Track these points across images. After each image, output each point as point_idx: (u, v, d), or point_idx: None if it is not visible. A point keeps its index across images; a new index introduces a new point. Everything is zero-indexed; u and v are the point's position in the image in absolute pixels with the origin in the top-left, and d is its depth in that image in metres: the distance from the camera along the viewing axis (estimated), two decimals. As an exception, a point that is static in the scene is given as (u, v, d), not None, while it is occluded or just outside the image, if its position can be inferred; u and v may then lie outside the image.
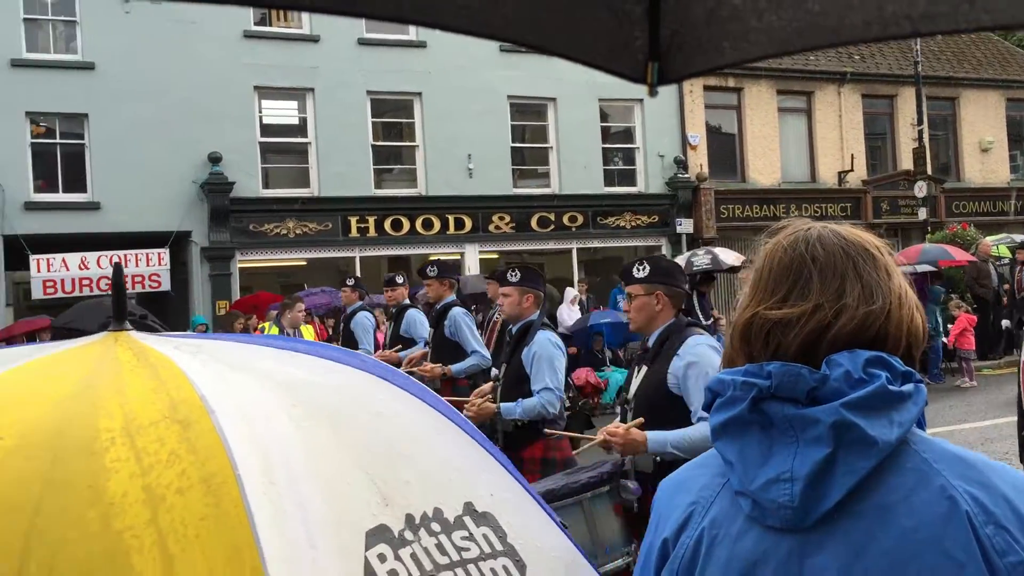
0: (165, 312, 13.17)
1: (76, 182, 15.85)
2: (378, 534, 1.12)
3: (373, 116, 17.93)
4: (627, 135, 20.18)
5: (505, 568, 1.23)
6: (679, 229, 19.42)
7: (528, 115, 19.26)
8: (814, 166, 21.82)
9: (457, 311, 7.28)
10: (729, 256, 14.78)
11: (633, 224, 19.55)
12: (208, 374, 1.21)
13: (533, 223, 18.69)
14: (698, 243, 18.60)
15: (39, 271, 14.37)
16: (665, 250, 19.65)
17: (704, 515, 1.26)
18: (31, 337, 12.44)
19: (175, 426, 1.09)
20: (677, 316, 3.86)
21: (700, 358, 3.64)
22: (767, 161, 21.10)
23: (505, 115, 18.66)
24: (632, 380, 3.97)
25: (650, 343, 3.88)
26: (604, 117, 19.74)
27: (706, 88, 20.40)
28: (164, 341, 1.35)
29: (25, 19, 15.64)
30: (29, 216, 15.21)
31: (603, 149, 19.63)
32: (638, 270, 3.87)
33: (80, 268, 14.49)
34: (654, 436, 3.61)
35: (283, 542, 1.01)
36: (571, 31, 1.87)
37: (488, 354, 7.33)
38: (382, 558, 1.10)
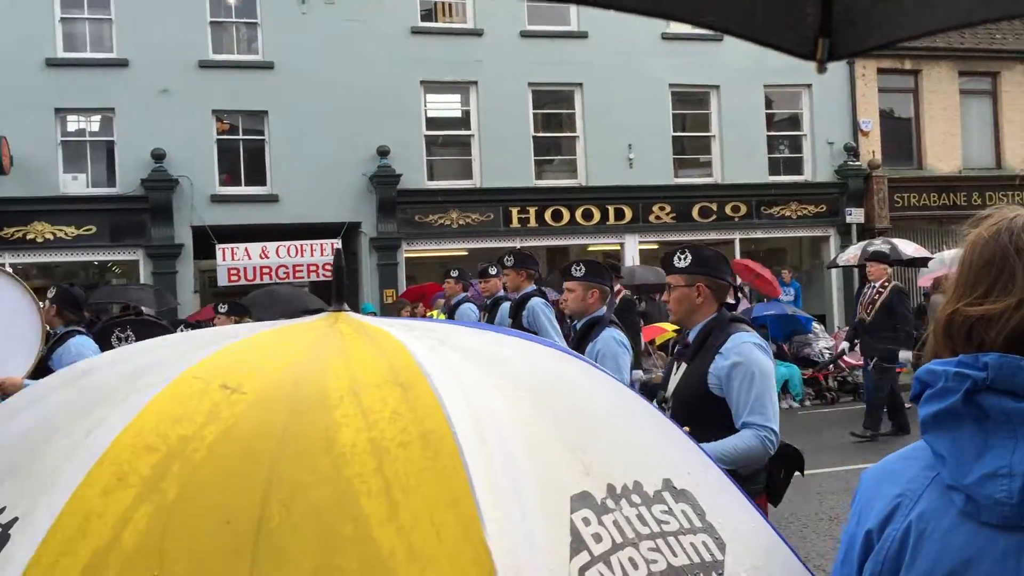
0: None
1: (257, 175, 16.79)
2: (582, 499, 1.15)
3: (534, 107, 18.11)
4: (793, 122, 19.54)
5: (704, 544, 1.24)
6: (849, 219, 18.65)
7: (690, 103, 18.95)
8: (999, 152, 20.46)
9: (536, 301, 7.08)
10: (909, 247, 14.10)
11: (799, 214, 18.93)
12: (421, 346, 1.29)
13: (694, 213, 18.40)
14: (872, 233, 17.80)
15: (224, 260, 15.31)
16: (833, 241, 18.95)
17: (912, 508, 1.22)
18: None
19: (396, 388, 1.17)
20: (720, 310, 3.56)
21: (745, 358, 3.34)
22: (947, 147, 19.94)
23: (666, 103, 18.43)
24: (671, 378, 3.69)
25: (690, 338, 3.61)
26: (769, 104, 19.19)
27: (880, 71, 19.47)
28: (378, 321, 1.45)
29: (211, 22, 16.66)
30: (215, 208, 16.24)
31: (768, 137, 19.09)
32: (679, 259, 3.58)
33: (260, 257, 15.35)
34: None
35: (495, 496, 1.06)
36: (742, 8, 1.86)
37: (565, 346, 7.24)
38: (586, 521, 1.13)
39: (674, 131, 18.58)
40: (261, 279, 15.02)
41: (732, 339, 3.41)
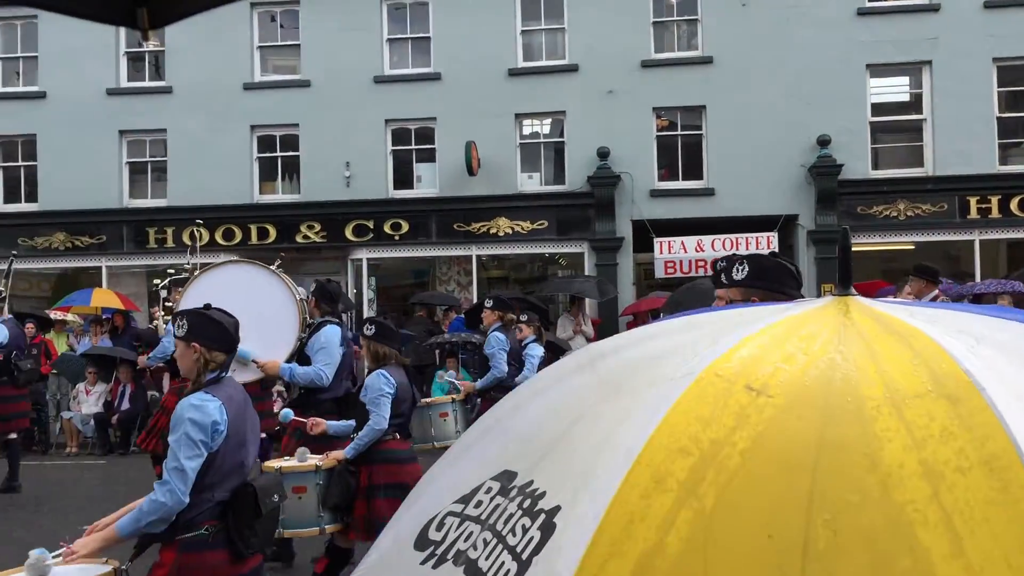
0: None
1: (694, 170, 17.02)
2: None
3: (999, 86, 16.20)
4: None
5: None
6: None
7: None
8: None
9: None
10: None
11: None
12: (960, 347, 1.16)
13: None
14: None
15: (661, 253, 15.74)
16: None
17: None
18: (655, 315, 13.68)
19: (942, 401, 1.06)
20: None
21: None
22: None
23: None
24: None
25: None
26: None
27: None
28: (894, 308, 1.33)
29: (654, 23, 17.18)
30: (653, 202, 16.75)
31: None
32: (737, 271, 3.18)
33: (696, 250, 15.54)
34: None
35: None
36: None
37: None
38: None
39: None
40: (696, 272, 15.20)
41: None
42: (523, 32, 17.50)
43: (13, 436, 10.42)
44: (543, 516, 1.14)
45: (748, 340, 1.29)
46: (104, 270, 17.89)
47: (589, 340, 14.25)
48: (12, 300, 12.08)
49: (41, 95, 17.96)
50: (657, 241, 15.83)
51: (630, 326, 12.20)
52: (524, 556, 1.12)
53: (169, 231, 17.54)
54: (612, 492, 1.09)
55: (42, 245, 17.78)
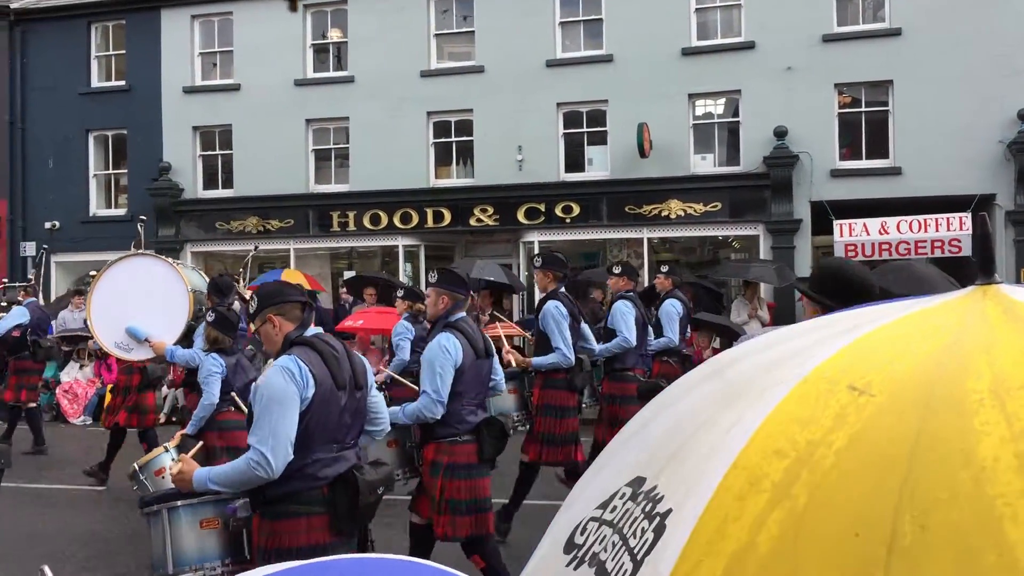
0: (964, 278, 12.71)
1: (878, 148, 16.22)
2: None
3: None
4: None
5: None
6: None
7: None
8: None
9: (550, 304, 7.23)
10: None
11: None
12: None
13: None
14: None
15: (841, 235, 15.11)
16: None
17: None
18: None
19: None
20: None
21: None
22: None
23: None
24: None
25: None
26: None
27: None
28: None
29: (836, -6, 16.46)
30: (833, 183, 16.09)
31: None
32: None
33: (880, 233, 14.82)
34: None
35: None
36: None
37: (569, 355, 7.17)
38: None
39: None
40: (880, 255, 14.51)
41: None
42: (697, 10, 17.15)
43: (32, 405, 11.94)
44: (658, 519, 1.19)
45: (867, 337, 1.28)
46: (292, 252, 18.95)
47: (764, 325, 13.92)
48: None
49: (235, 88, 19.16)
50: (837, 223, 15.21)
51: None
52: (639, 557, 1.16)
53: (351, 215, 18.36)
54: (710, 494, 1.12)
55: (237, 229, 19.01)
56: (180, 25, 19.47)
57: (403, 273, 18.05)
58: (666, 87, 16.78)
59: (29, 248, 20.06)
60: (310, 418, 3.68)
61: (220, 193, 19.41)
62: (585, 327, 7.78)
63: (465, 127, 18.14)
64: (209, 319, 6.82)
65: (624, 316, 8.02)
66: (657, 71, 16.84)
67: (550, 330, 7.21)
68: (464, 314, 5.46)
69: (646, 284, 15.98)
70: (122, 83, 19.90)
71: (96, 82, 20.13)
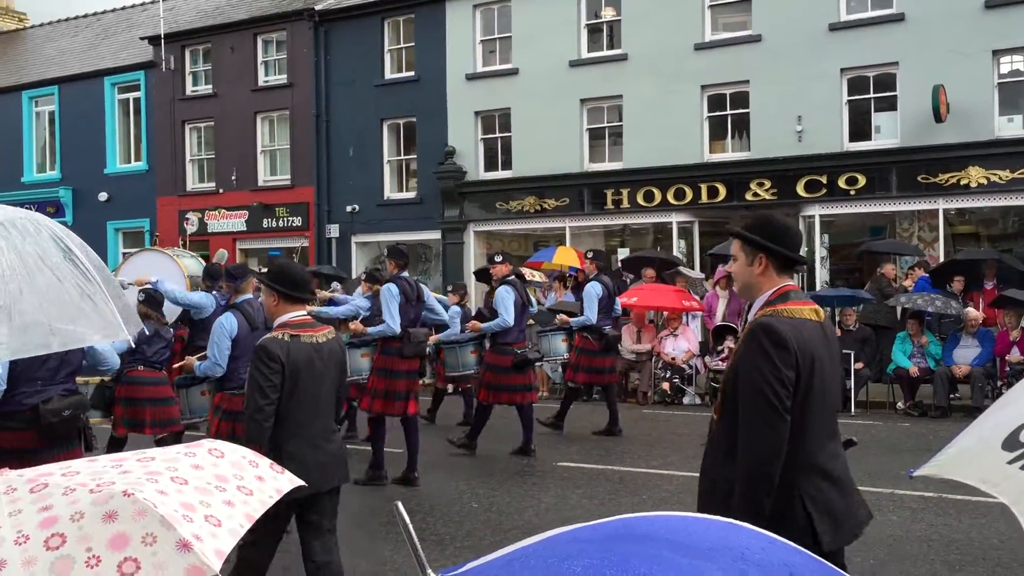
0: None
1: None
2: None
3: None
4: None
5: None
6: None
7: None
8: None
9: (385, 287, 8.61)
10: None
11: None
12: None
13: None
14: None
15: None
16: None
17: None
18: None
19: None
20: None
21: None
22: None
23: None
24: None
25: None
26: None
27: None
28: None
29: None
30: None
31: None
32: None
33: None
34: None
35: None
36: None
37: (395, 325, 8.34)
38: None
39: None
40: None
41: None
42: (1003, -44, 15.56)
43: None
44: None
45: None
46: (567, 230, 19.39)
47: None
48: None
49: (514, 72, 19.83)
50: None
51: None
52: None
53: (624, 192, 18.48)
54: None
55: (515, 208, 19.73)
56: (463, 15, 20.41)
57: (676, 249, 17.93)
58: (966, 44, 15.38)
59: (333, 230, 21.97)
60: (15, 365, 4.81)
61: (499, 174, 20.20)
62: (433, 302, 8.93)
63: (741, 99, 17.64)
64: (139, 298, 8.29)
65: (503, 300, 9.45)
66: (956, 27, 15.48)
67: (383, 306, 8.42)
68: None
69: (940, 259, 14.80)
70: (411, 74, 21.20)
71: (389, 74, 21.60)
